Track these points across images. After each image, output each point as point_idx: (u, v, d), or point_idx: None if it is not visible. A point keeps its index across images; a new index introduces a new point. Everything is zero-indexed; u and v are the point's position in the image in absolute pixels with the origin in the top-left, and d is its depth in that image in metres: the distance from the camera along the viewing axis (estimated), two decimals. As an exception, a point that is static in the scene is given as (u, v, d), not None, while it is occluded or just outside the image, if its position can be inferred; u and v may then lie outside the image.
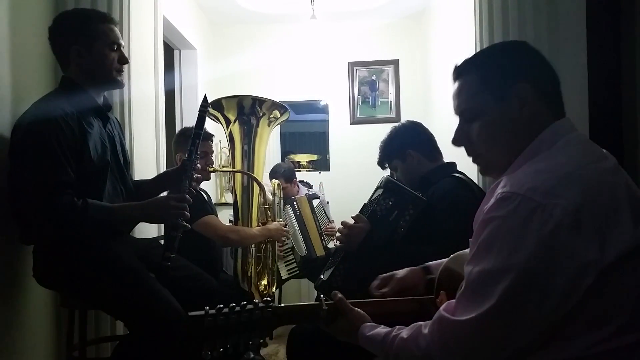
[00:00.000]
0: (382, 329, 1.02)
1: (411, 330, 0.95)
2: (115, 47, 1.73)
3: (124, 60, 1.76)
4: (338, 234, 1.84)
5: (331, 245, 3.04)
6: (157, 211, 1.65)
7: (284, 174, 3.55)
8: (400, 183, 1.88)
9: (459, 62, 1.02)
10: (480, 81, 0.96)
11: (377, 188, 1.87)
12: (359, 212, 1.87)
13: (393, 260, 1.74)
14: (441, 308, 0.90)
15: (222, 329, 0.99)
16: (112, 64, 1.72)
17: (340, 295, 1.11)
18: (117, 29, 1.75)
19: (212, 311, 0.99)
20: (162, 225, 2.60)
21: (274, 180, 2.72)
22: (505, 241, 0.80)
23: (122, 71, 1.77)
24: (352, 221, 1.84)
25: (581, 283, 0.77)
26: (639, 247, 0.80)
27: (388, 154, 2.06)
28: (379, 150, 2.11)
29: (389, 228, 1.75)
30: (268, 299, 1.05)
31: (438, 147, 2.08)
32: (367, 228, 1.76)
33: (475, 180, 2.06)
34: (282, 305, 1.07)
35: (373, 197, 1.85)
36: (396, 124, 2.13)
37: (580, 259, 0.77)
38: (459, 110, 1.01)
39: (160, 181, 1.93)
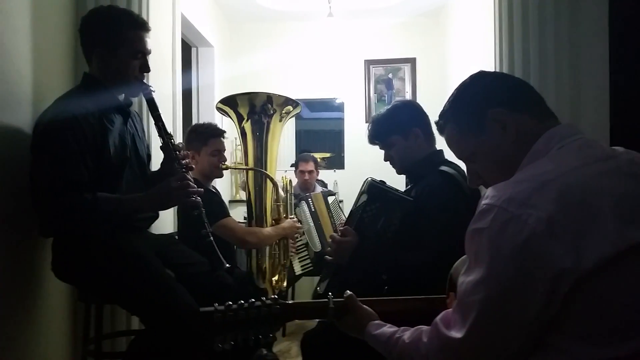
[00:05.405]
0: (387, 329, 1.05)
1: (413, 334, 0.99)
2: (140, 55, 1.71)
3: (145, 69, 1.74)
4: (328, 248, 1.77)
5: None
6: (161, 197, 1.67)
7: (314, 158, 3.81)
8: (384, 185, 1.74)
9: (438, 117, 1.10)
10: (458, 128, 1.03)
11: (362, 193, 1.76)
12: (346, 220, 1.79)
13: (384, 268, 1.71)
14: (438, 318, 0.93)
15: (232, 324, 1.02)
16: (133, 72, 1.71)
17: (350, 292, 1.14)
18: (146, 37, 1.72)
19: (221, 307, 1.02)
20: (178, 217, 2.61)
21: (284, 176, 2.73)
22: (485, 253, 0.83)
23: (142, 79, 1.75)
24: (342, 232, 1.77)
25: (558, 291, 0.77)
26: (624, 253, 0.78)
27: (388, 127, 1.82)
28: (371, 125, 1.87)
29: (377, 237, 1.69)
30: (275, 296, 1.08)
31: (434, 132, 1.88)
32: (355, 241, 1.69)
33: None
34: (290, 302, 1.09)
35: (358, 204, 1.75)
36: (396, 101, 1.92)
37: (555, 266, 0.77)
38: (458, 157, 1.07)
39: (158, 175, 1.90)
